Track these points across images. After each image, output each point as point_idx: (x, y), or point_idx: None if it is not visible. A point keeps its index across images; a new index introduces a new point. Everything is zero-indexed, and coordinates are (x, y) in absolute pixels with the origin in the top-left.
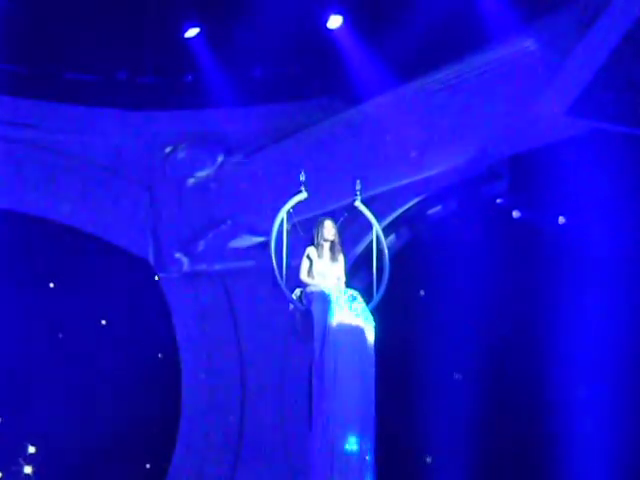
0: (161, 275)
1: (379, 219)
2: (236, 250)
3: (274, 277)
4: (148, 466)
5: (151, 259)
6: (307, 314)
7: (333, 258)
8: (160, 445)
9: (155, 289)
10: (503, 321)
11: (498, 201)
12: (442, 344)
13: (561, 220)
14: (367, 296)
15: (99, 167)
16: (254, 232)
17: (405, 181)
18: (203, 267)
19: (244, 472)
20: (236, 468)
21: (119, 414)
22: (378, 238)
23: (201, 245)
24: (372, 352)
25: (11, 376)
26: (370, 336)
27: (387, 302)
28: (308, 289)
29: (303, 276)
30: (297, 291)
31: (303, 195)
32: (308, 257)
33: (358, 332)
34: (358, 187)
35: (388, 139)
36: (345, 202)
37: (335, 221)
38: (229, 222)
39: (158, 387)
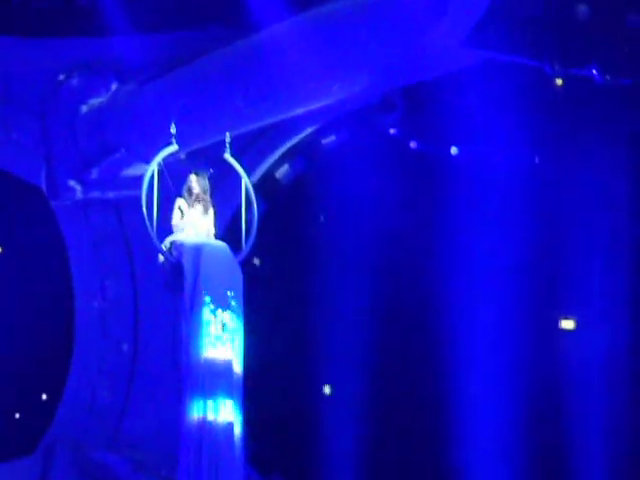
0: (54, 203)
1: (273, 149)
2: (129, 178)
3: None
4: (44, 396)
5: (44, 187)
6: (177, 266)
7: (203, 210)
8: (53, 373)
9: (48, 217)
10: (398, 248)
11: (391, 131)
12: (338, 275)
13: (454, 150)
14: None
15: None
16: (147, 160)
17: (299, 110)
18: (96, 195)
19: (137, 399)
20: (129, 395)
21: (11, 343)
22: (247, 191)
23: (94, 173)
24: (241, 299)
25: None
26: (239, 284)
27: (281, 231)
28: (178, 241)
29: (175, 222)
30: (167, 242)
31: (174, 147)
32: (179, 208)
33: (228, 282)
34: (228, 140)
35: (282, 69)
36: (241, 129)
37: (204, 174)
38: (122, 150)
39: (51, 315)
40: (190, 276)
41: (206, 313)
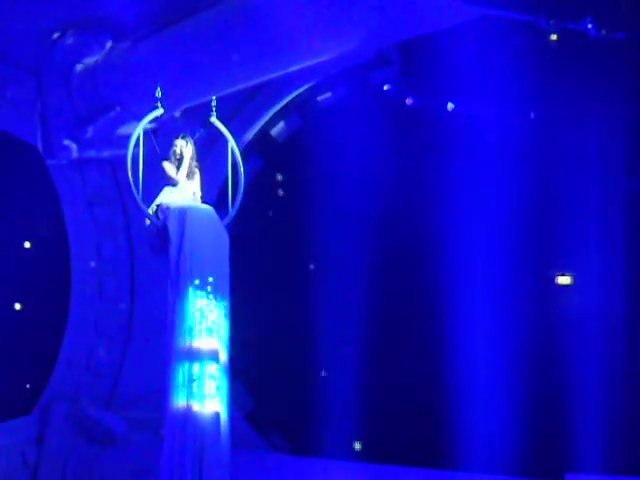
0: (50, 162)
1: (269, 106)
2: (124, 137)
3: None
4: (35, 352)
5: (39, 145)
6: (163, 229)
7: (189, 174)
8: (50, 333)
9: (44, 175)
10: (394, 204)
11: (386, 87)
12: (333, 230)
13: (450, 106)
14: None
15: None
16: (142, 119)
17: (294, 68)
18: (92, 154)
19: (133, 358)
20: (125, 354)
21: (8, 303)
22: (234, 154)
23: (90, 132)
24: (227, 262)
25: None
26: (225, 248)
27: (276, 188)
28: (164, 204)
29: (173, 174)
30: (153, 206)
31: (160, 111)
32: (168, 168)
33: (213, 245)
34: (214, 103)
35: (276, 25)
36: (237, 87)
37: (190, 138)
38: (118, 109)
39: (48, 275)
40: (175, 239)
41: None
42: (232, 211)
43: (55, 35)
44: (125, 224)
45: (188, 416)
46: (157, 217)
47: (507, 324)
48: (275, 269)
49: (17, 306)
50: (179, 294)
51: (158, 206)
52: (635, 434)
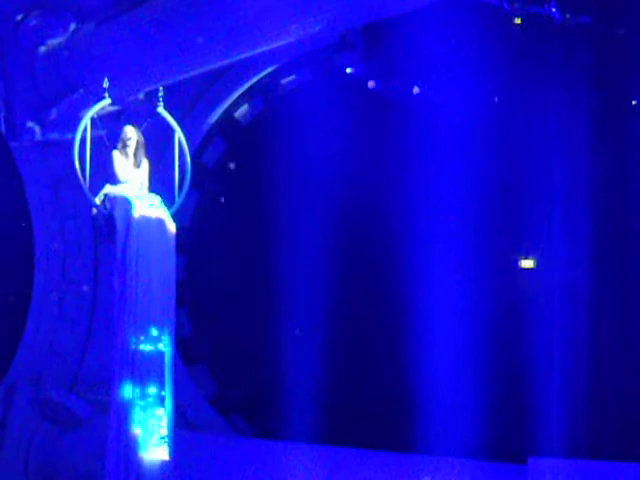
0: (13, 144)
1: (232, 89)
2: None
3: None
4: (3, 338)
5: (3, 128)
6: (110, 218)
7: (136, 163)
8: (12, 315)
9: (7, 158)
10: (357, 187)
11: (349, 70)
12: (297, 213)
13: (415, 90)
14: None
15: None
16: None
17: (258, 50)
18: (55, 136)
19: (97, 341)
20: (89, 337)
21: None
22: (180, 144)
23: (53, 113)
24: (173, 251)
25: None
26: (171, 237)
27: (240, 171)
28: (111, 193)
29: (120, 174)
30: (100, 195)
31: (107, 101)
32: (114, 160)
33: (158, 235)
34: (161, 94)
35: (240, 7)
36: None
37: (137, 127)
38: (81, 91)
39: (10, 257)
40: (122, 229)
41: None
42: (178, 201)
43: (18, 17)
44: (89, 206)
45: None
46: (104, 206)
47: (470, 308)
48: (237, 254)
49: None
50: (125, 283)
51: (105, 195)
52: (597, 416)
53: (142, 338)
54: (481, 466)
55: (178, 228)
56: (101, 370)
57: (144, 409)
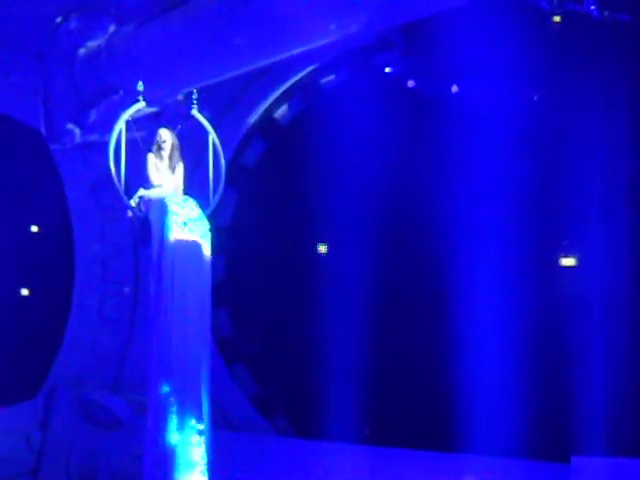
0: (53, 146)
1: (272, 89)
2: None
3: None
4: (39, 337)
5: (43, 130)
6: (145, 221)
7: (171, 166)
8: (54, 317)
9: (47, 160)
10: (397, 187)
11: (388, 69)
12: (337, 214)
13: (454, 89)
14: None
15: None
16: (146, 102)
17: (297, 50)
18: (95, 138)
19: (138, 342)
20: (130, 338)
21: (11, 287)
22: (214, 145)
23: (93, 116)
24: (209, 268)
25: None
26: (206, 251)
27: (280, 171)
28: (146, 196)
29: (153, 179)
30: (135, 198)
31: (142, 104)
32: (149, 163)
33: (194, 247)
34: (195, 96)
35: (280, 8)
36: (240, 70)
37: (172, 129)
38: (121, 92)
39: (52, 260)
40: (157, 232)
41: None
42: (213, 202)
43: (58, 19)
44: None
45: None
46: (140, 209)
47: (512, 306)
48: (280, 252)
49: (22, 290)
50: (161, 290)
51: (140, 198)
52: None
53: (178, 340)
54: (524, 465)
55: (218, 228)
56: (142, 371)
57: (181, 412)
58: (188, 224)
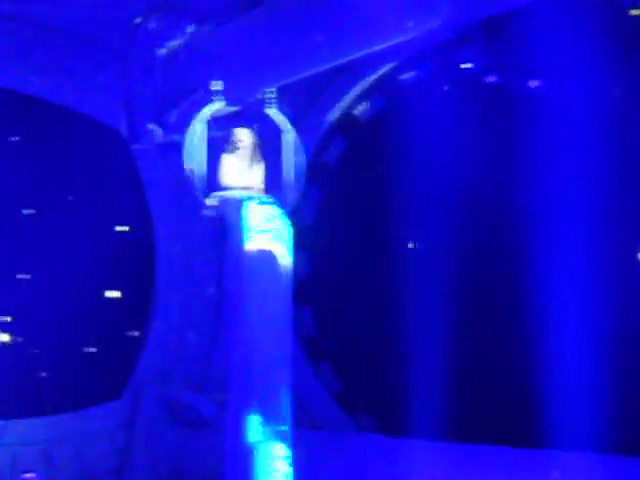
0: (134, 146)
1: (352, 87)
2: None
3: None
4: (123, 336)
5: (124, 130)
6: (223, 221)
7: (250, 165)
8: (139, 317)
9: (129, 161)
10: (478, 183)
11: (468, 66)
12: (418, 210)
13: (533, 83)
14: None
15: (72, 38)
16: (227, 101)
17: (377, 48)
18: (176, 138)
19: (221, 343)
20: (215, 338)
21: (96, 287)
22: (293, 144)
23: (174, 115)
24: (289, 269)
25: None
26: (286, 253)
27: (361, 168)
28: (223, 196)
29: (224, 179)
30: (213, 197)
31: (220, 104)
32: (227, 163)
33: (273, 252)
34: (272, 95)
35: (360, 5)
36: (320, 67)
37: (251, 128)
38: (201, 92)
39: (134, 258)
40: (235, 232)
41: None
42: (292, 201)
43: (138, 19)
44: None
45: None
46: (217, 209)
47: (594, 302)
48: (360, 251)
49: (105, 290)
50: (238, 289)
51: (218, 197)
52: None
53: (258, 340)
54: (612, 461)
55: (300, 227)
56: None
57: (262, 411)
58: (267, 230)
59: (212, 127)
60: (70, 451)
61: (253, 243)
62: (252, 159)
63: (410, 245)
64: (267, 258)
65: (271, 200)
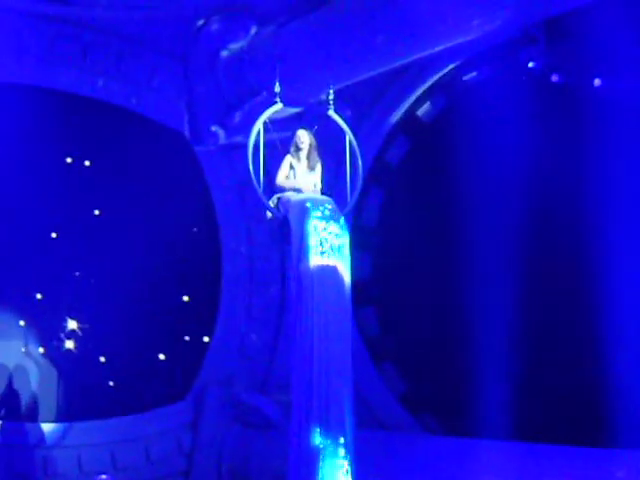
0: (197, 148)
1: (414, 87)
2: (272, 121)
3: None
4: (187, 338)
5: (187, 132)
6: (284, 222)
7: (310, 166)
8: (202, 318)
9: (192, 162)
10: (542, 183)
11: (530, 65)
12: (481, 210)
13: (597, 82)
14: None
15: (131, 40)
16: (289, 103)
17: (440, 47)
18: (239, 139)
19: (285, 344)
20: (278, 338)
21: (160, 289)
22: (351, 146)
23: (237, 117)
24: (348, 293)
25: (51, 253)
26: (346, 276)
27: (423, 168)
28: (284, 197)
29: (279, 181)
30: (274, 199)
31: (279, 106)
32: (286, 165)
33: (333, 270)
34: (331, 97)
35: (423, 5)
36: (382, 68)
37: (310, 130)
38: (264, 93)
39: (198, 260)
40: (297, 233)
41: None
42: (350, 203)
43: (200, 22)
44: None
45: None
46: (278, 210)
47: None
48: (423, 251)
49: (170, 292)
50: (301, 291)
51: (279, 198)
52: None
53: (319, 343)
54: None
55: (363, 227)
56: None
57: (325, 413)
58: (327, 249)
59: (273, 129)
60: (136, 452)
61: (314, 248)
62: (311, 160)
63: (472, 245)
64: (327, 263)
65: (330, 201)
